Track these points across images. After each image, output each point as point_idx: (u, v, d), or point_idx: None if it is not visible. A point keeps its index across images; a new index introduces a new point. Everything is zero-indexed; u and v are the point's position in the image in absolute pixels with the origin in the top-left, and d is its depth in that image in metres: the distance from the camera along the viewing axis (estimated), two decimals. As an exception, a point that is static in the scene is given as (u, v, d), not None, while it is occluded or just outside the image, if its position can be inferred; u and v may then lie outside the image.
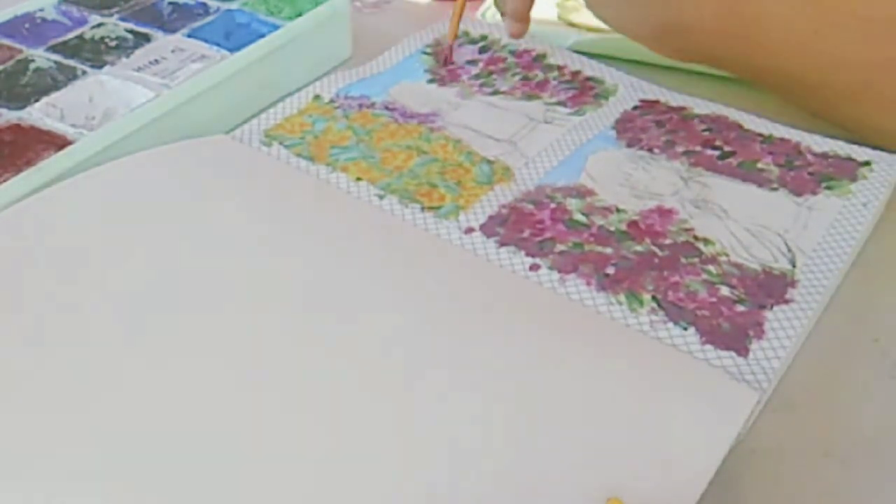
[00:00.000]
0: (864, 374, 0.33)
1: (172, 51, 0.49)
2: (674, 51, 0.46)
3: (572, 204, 0.40)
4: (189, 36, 0.51)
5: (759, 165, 0.42)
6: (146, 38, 0.51)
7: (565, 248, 0.38)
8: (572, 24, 0.55)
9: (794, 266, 0.37)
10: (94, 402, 0.31)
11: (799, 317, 0.34)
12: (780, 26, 0.42)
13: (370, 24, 0.58)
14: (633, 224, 0.39)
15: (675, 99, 0.48)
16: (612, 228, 0.39)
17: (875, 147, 0.43)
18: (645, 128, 0.45)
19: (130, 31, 0.51)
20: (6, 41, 0.50)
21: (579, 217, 0.40)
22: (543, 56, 0.51)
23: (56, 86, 0.46)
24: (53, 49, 0.50)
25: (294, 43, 0.50)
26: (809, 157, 0.43)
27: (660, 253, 0.38)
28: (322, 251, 0.38)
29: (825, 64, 0.42)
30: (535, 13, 0.55)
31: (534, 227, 0.39)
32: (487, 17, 0.56)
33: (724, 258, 0.37)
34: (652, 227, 0.39)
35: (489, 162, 0.43)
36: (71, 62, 0.48)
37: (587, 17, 0.54)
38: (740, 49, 0.43)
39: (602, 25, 0.50)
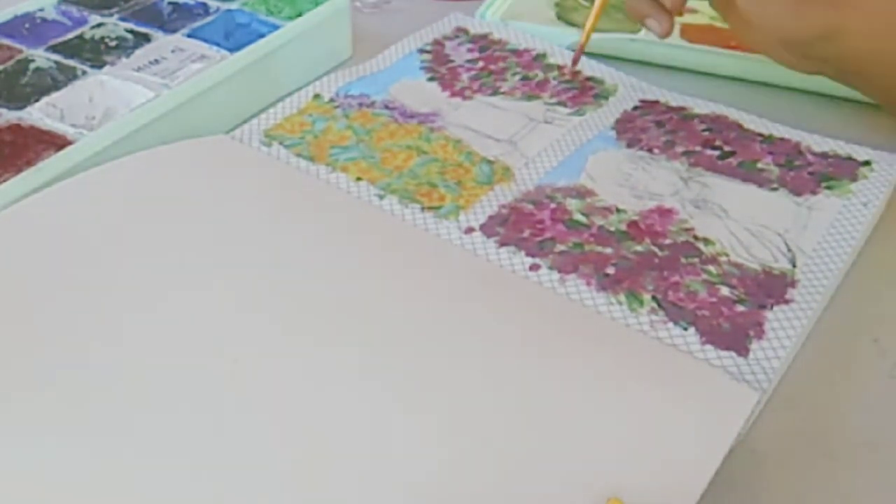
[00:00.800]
0: (864, 374, 0.33)
1: (172, 51, 0.49)
2: (817, 60, 0.44)
3: (572, 204, 0.40)
4: (189, 36, 0.51)
5: (759, 165, 0.42)
6: (146, 38, 0.51)
7: (565, 248, 0.38)
8: (571, 24, 0.55)
9: (794, 266, 0.37)
10: (93, 402, 0.31)
11: (799, 317, 0.34)
12: None
13: (370, 24, 0.58)
14: (633, 224, 0.39)
15: (675, 99, 0.48)
16: (612, 228, 0.39)
17: (886, 148, 0.42)
18: (645, 128, 0.45)
19: (130, 31, 0.51)
20: (6, 41, 0.50)
21: (579, 217, 0.40)
22: (543, 56, 0.51)
23: (56, 86, 0.46)
24: (53, 49, 0.50)
25: (294, 43, 0.50)
26: (809, 156, 0.43)
27: (660, 253, 0.38)
28: (322, 251, 0.38)
29: None
30: (534, 13, 0.55)
31: (534, 227, 0.39)
32: (487, 17, 0.56)
33: (724, 258, 0.37)
34: (652, 227, 0.39)
35: (489, 162, 0.43)
36: (71, 62, 0.48)
37: (585, 17, 0.55)
38: (890, 64, 0.42)
39: (603, 25, 0.49)
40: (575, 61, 0.50)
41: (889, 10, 0.42)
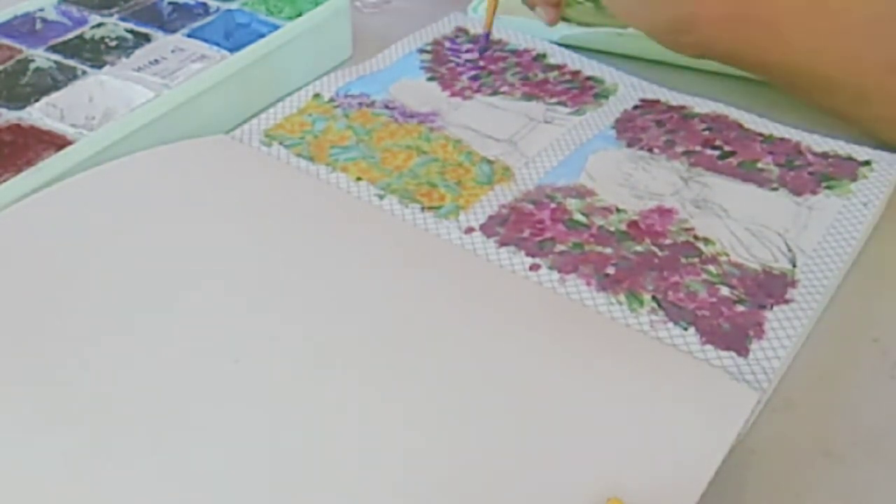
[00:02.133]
0: (864, 373, 0.33)
1: (172, 51, 0.49)
2: (686, 46, 0.46)
3: (572, 204, 0.40)
4: (189, 36, 0.51)
5: (759, 165, 0.42)
6: (146, 38, 0.51)
7: (565, 248, 0.38)
8: (564, 18, 0.55)
9: (794, 266, 0.37)
10: (93, 402, 0.31)
11: (799, 317, 0.34)
12: (794, 24, 0.42)
13: (370, 24, 0.58)
14: (633, 224, 0.39)
15: (675, 98, 0.48)
16: (612, 228, 0.39)
17: (886, 148, 0.43)
18: (645, 127, 0.45)
19: (130, 31, 0.51)
20: (6, 41, 0.50)
21: (579, 217, 0.40)
22: (543, 56, 0.51)
23: (56, 86, 0.46)
24: (53, 49, 0.50)
25: (294, 43, 0.50)
26: (809, 156, 0.43)
27: (660, 253, 0.38)
28: (322, 251, 0.38)
29: (837, 63, 0.41)
30: (526, 7, 0.55)
31: (534, 227, 0.39)
32: (479, 11, 0.56)
33: (724, 258, 0.37)
34: (652, 227, 0.39)
35: (489, 162, 0.43)
36: (71, 62, 0.48)
37: (577, 12, 0.55)
38: (753, 46, 0.43)
39: (592, 20, 0.50)
40: (482, 50, 0.51)
41: None
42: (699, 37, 0.44)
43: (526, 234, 0.39)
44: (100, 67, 0.48)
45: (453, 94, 0.48)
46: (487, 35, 0.52)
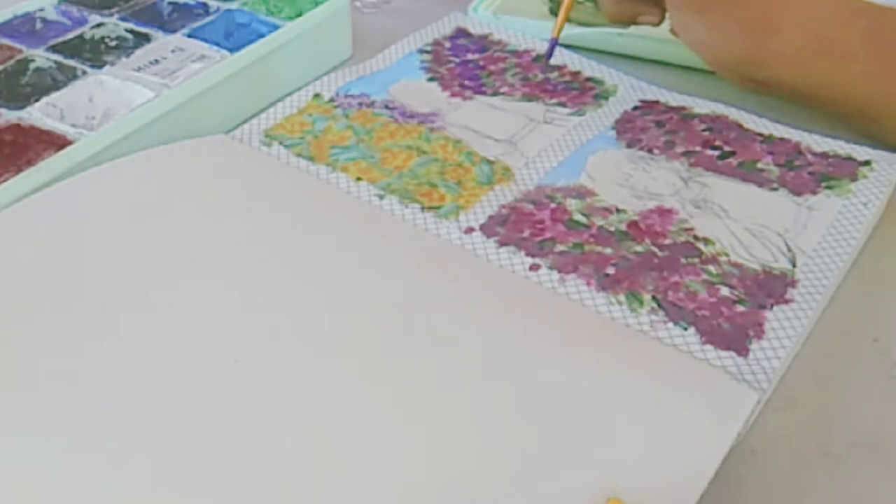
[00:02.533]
0: (864, 373, 0.33)
1: (172, 51, 0.49)
2: (752, 82, 0.45)
3: (572, 204, 0.40)
4: (189, 36, 0.51)
5: (759, 165, 0.42)
6: (146, 38, 0.51)
7: (565, 249, 0.38)
8: None
9: (794, 266, 0.37)
10: (92, 401, 0.31)
11: (799, 317, 0.34)
12: (866, 56, 0.42)
13: (370, 24, 0.58)
14: (633, 224, 0.39)
15: (675, 99, 0.48)
16: (612, 229, 0.39)
17: (886, 148, 0.43)
18: (645, 128, 0.46)
19: (130, 31, 0.51)
20: (6, 41, 0.50)
21: (579, 217, 0.40)
22: (544, 57, 0.51)
23: (56, 86, 0.46)
24: (53, 49, 0.50)
25: (294, 43, 0.50)
26: (809, 156, 0.43)
27: (660, 253, 0.38)
28: (322, 251, 0.38)
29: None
30: (527, 7, 0.55)
31: (534, 227, 0.39)
32: (479, 11, 0.56)
33: (724, 258, 0.37)
34: (652, 228, 0.39)
35: (489, 162, 0.43)
36: (71, 62, 0.48)
37: (577, 12, 0.55)
38: (820, 81, 0.43)
39: (592, 20, 0.49)
40: (548, 55, 0.50)
41: (809, 30, 0.42)
42: (770, 73, 0.43)
43: (526, 234, 0.39)
44: (100, 67, 0.48)
45: (453, 95, 0.48)
46: (555, 42, 0.50)
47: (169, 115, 0.44)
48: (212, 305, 0.35)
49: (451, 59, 0.52)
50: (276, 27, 0.50)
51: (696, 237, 0.38)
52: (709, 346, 0.33)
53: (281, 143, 0.45)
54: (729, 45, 0.44)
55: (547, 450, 0.29)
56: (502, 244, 0.38)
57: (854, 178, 0.41)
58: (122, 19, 0.52)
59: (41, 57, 0.49)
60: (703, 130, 0.45)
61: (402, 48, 0.52)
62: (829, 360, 0.34)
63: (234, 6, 0.53)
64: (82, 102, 0.45)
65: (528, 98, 0.48)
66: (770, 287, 0.36)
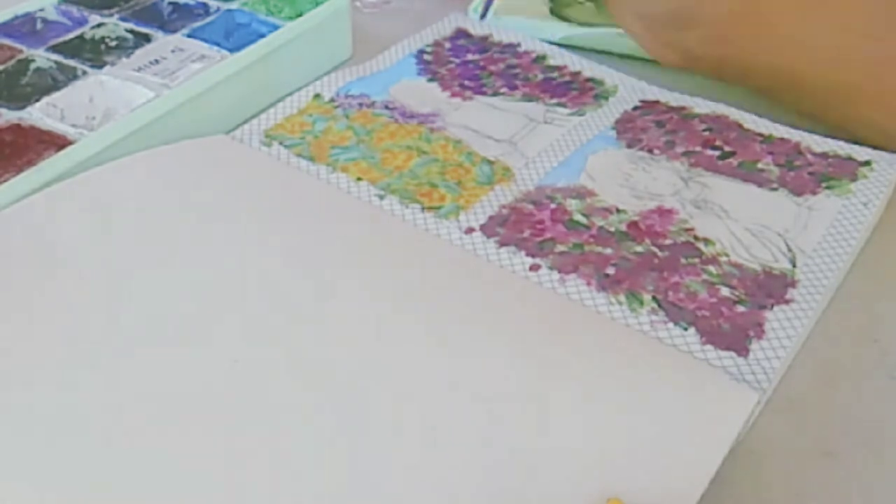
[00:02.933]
0: (864, 374, 0.33)
1: (172, 51, 0.49)
2: (679, 48, 0.45)
3: (572, 204, 0.40)
4: (189, 36, 0.51)
5: (759, 165, 0.42)
6: (146, 38, 0.51)
7: (565, 249, 0.38)
8: (565, 19, 0.55)
9: (794, 266, 0.37)
10: (92, 401, 0.31)
11: (799, 317, 0.34)
12: (788, 21, 0.42)
13: (370, 24, 0.58)
14: (633, 224, 0.39)
15: (675, 99, 0.48)
16: (612, 229, 0.39)
17: (874, 147, 0.43)
18: (645, 128, 0.46)
19: (130, 31, 0.51)
20: (6, 41, 0.50)
21: (579, 218, 0.40)
22: (543, 57, 0.51)
23: (56, 86, 0.46)
24: (54, 49, 0.50)
25: (294, 43, 0.50)
26: (809, 156, 0.43)
27: (660, 253, 0.38)
28: (322, 251, 0.38)
29: (829, 62, 0.42)
30: (528, 7, 0.55)
31: (534, 227, 0.39)
32: (479, 12, 0.56)
33: (724, 258, 0.37)
34: (652, 228, 0.39)
35: (489, 162, 0.43)
36: (71, 62, 0.48)
37: (577, 12, 0.55)
38: (744, 46, 0.43)
39: (592, 20, 0.49)
40: (483, 14, 0.51)
41: None
42: (701, 33, 0.43)
43: (526, 234, 0.39)
44: (100, 67, 0.48)
45: (453, 95, 0.48)
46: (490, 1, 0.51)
47: (169, 116, 0.44)
48: (211, 305, 0.35)
49: (452, 59, 0.52)
50: (276, 27, 0.50)
51: (696, 237, 0.38)
52: (709, 347, 0.33)
53: (281, 144, 0.45)
54: (658, 1, 0.43)
55: (547, 450, 0.29)
56: (502, 244, 0.38)
57: (854, 178, 0.41)
58: (123, 19, 0.52)
59: (41, 57, 0.49)
60: (704, 130, 0.45)
61: (403, 49, 0.52)
62: (830, 361, 0.34)
63: (234, 6, 0.53)
64: (82, 102, 0.45)
65: (528, 98, 0.48)
66: (770, 287, 0.36)
